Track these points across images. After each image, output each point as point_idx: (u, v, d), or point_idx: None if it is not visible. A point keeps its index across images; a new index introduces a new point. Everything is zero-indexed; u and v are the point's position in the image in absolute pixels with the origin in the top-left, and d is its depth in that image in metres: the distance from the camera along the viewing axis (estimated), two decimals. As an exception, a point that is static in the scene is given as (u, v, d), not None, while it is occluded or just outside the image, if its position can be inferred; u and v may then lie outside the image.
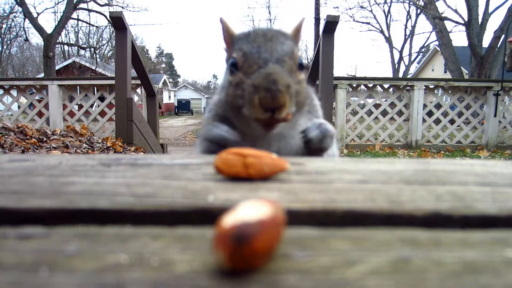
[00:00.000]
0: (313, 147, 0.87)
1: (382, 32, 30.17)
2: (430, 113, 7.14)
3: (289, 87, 0.77)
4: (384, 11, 29.51)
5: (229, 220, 0.27)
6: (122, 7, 20.30)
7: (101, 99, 7.05)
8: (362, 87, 6.90)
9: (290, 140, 0.96)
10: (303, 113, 0.95)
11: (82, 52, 27.43)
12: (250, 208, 0.29)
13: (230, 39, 0.95)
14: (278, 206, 0.31)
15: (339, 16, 5.16)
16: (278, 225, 0.29)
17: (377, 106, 7.09)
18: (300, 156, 0.91)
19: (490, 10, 15.91)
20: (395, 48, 31.67)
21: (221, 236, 0.26)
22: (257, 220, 0.27)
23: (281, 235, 0.30)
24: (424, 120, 6.91)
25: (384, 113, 6.91)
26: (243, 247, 0.25)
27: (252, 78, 0.78)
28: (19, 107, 7.02)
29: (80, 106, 6.97)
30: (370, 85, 6.76)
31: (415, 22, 29.77)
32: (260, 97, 0.75)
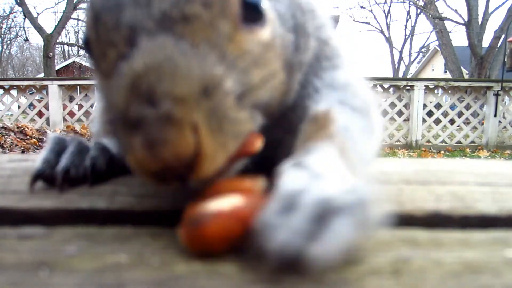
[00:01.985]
0: None
1: (382, 32, 30.17)
2: (430, 113, 7.12)
3: (207, 89, 0.31)
4: (384, 11, 29.51)
5: (197, 207, 0.30)
6: (122, 7, 20.26)
7: (101, 99, 7.04)
8: (362, 87, 6.88)
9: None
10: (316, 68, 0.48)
11: (82, 52, 27.43)
12: (224, 200, 0.30)
13: None
14: (252, 201, 0.31)
15: (339, 16, 5.16)
16: (237, 218, 0.29)
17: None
18: None
19: (490, 10, 15.90)
20: (395, 48, 31.67)
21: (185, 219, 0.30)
22: (215, 210, 0.29)
23: (241, 227, 0.29)
24: (424, 120, 6.90)
25: (384, 113, 6.90)
26: (197, 230, 0.28)
27: (108, 91, 0.35)
28: (19, 107, 7.01)
29: (80, 106, 6.97)
30: (370, 85, 6.75)
31: (415, 22, 29.77)
32: (128, 145, 0.31)
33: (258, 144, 0.36)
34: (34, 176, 0.44)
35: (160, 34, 0.31)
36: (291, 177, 0.32)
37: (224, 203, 0.30)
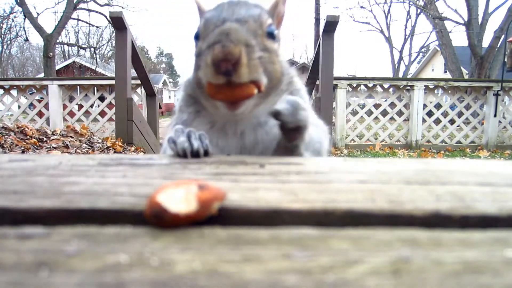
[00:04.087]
0: (287, 125, 0.68)
1: (382, 32, 30.17)
2: (430, 113, 7.13)
3: (248, 45, 0.67)
4: (384, 11, 29.52)
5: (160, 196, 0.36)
6: (122, 7, 20.29)
7: (101, 99, 7.04)
8: (362, 87, 6.89)
9: (268, 128, 0.81)
10: (282, 96, 0.79)
11: (82, 52, 27.43)
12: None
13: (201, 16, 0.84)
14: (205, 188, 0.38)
15: (339, 16, 5.16)
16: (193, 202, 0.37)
17: (377, 106, 7.08)
18: (282, 146, 0.75)
19: (490, 10, 15.89)
20: (395, 48, 31.68)
21: (151, 202, 0.36)
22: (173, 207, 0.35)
23: (197, 210, 0.36)
24: (424, 120, 6.90)
25: (384, 113, 6.90)
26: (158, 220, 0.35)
27: (207, 39, 0.69)
28: (19, 107, 7.02)
29: (80, 106, 6.97)
30: (370, 85, 6.75)
31: (415, 22, 29.78)
32: (211, 53, 0.65)
33: (226, 196, 0.42)
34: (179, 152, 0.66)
35: (235, 22, 0.70)
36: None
37: (180, 193, 0.37)
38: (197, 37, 0.78)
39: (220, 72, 0.65)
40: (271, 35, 0.76)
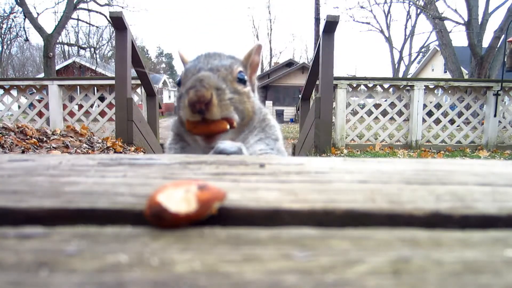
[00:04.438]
0: None
1: (382, 32, 30.18)
2: (430, 113, 7.12)
3: (219, 88, 0.82)
4: (384, 11, 29.53)
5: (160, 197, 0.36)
6: (122, 7, 20.29)
7: (101, 99, 7.04)
8: (362, 87, 6.88)
9: None
10: (254, 131, 0.97)
11: (82, 52, 27.44)
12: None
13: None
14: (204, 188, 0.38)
15: (339, 16, 5.16)
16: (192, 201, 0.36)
17: (377, 106, 7.08)
18: None
19: (490, 10, 15.90)
20: (395, 48, 31.68)
21: (151, 202, 0.36)
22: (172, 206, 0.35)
23: (196, 209, 0.36)
24: (424, 120, 6.89)
25: (384, 113, 6.90)
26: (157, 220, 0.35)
27: (186, 85, 0.84)
28: (19, 107, 7.01)
29: (80, 106, 6.97)
30: (370, 85, 6.74)
31: (415, 22, 29.80)
32: (188, 96, 0.79)
33: (226, 196, 0.42)
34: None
35: (208, 71, 0.85)
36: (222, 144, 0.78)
37: (178, 192, 0.37)
38: (179, 83, 0.93)
39: (195, 111, 0.80)
40: (241, 80, 0.92)
